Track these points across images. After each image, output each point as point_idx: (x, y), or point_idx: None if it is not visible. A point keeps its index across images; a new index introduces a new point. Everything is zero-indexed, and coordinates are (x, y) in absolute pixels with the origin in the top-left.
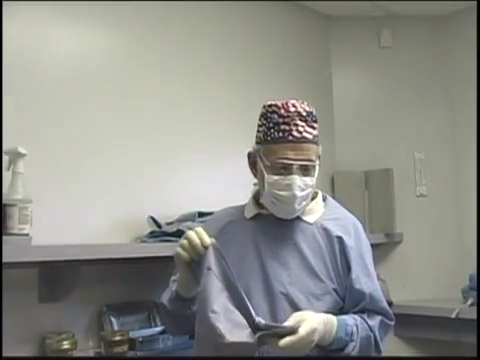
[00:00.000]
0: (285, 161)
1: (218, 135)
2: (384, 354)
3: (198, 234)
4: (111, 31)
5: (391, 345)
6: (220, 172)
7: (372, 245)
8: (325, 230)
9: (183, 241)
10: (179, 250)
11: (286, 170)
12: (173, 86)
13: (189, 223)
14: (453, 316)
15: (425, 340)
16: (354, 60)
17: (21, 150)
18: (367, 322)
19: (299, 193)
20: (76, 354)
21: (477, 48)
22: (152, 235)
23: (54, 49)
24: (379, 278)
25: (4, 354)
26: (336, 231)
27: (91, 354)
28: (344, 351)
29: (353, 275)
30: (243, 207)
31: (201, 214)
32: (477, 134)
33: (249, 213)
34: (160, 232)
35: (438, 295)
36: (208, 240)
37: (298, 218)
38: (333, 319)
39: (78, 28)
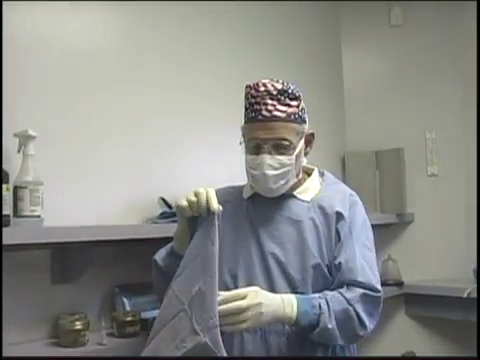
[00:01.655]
0: (255, 141)
1: (228, 116)
2: (397, 336)
3: (208, 196)
4: (122, 14)
5: (402, 325)
6: (230, 153)
7: (383, 225)
8: (321, 208)
9: (191, 197)
10: (184, 204)
11: (258, 149)
12: (184, 68)
13: None
14: (465, 295)
15: (437, 319)
16: (364, 39)
17: (31, 132)
18: (343, 295)
19: (270, 172)
20: (89, 334)
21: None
22: (163, 216)
23: (65, 32)
24: (390, 258)
25: (18, 336)
26: (332, 208)
27: (103, 334)
28: (319, 326)
29: (337, 248)
30: (241, 187)
31: (217, 189)
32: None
33: (247, 193)
34: (171, 213)
35: (449, 275)
36: (216, 206)
37: (293, 197)
38: (291, 296)
39: (89, 12)
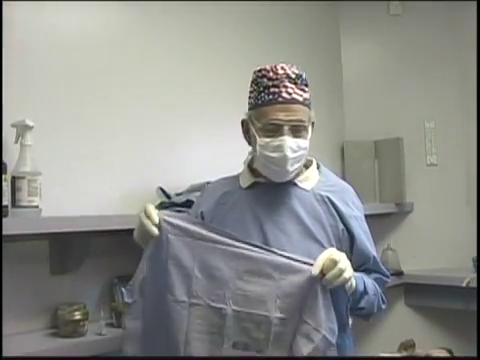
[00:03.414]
0: (276, 122)
1: (227, 105)
2: (396, 326)
3: (147, 213)
4: (123, 6)
5: (402, 314)
6: (230, 142)
7: (382, 215)
8: (322, 197)
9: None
10: (135, 235)
11: (277, 132)
12: (182, 57)
13: (198, 193)
14: (464, 285)
15: (436, 309)
16: (363, 28)
17: (28, 122)
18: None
19: (290, 154)
20: (88, 325)
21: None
22: (162, 206)
23: (62, 22)
24: (389, 248)
25: (17, 326)
26: (333, 197)
27: (103, 325)
28: (368, 293)
29: (357, 239)
30: (236, 177)
31: (210, 182)
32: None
33: (245, 182)
34: (169, 203)
35: (448, 264)
36: (156, 218)
37: (295, 185)
38: None
39: (89, 4)
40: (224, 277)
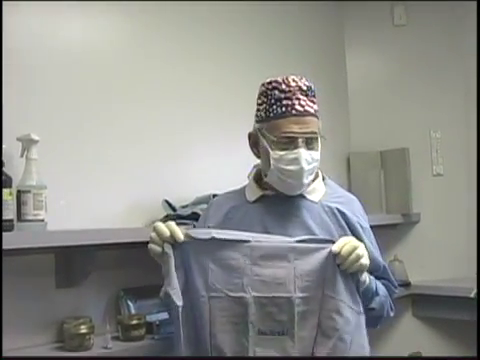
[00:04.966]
0: (291, 135)
1: (232, 117)
2: (404, 338)
3: (168, 227)
4: (127, 19)
5: (410, 325)
6: (235, 155)
7: (389, 225)
8: (331, 208)
9: (152, 234)
10: (151, 246)
11: (292, 144)
12: (188, 68)
13: (204, 206)
14: (472, 295)
15: (444, 320)
16: (368, 39)
17: (34, 136)
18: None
19: (306, 166)
20: (93, 338)
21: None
22: (167, 218)
23: (65, 34)
24: (396, 258)
25: (23, 341)
26: (342, 208)
27: (109, 338)
28: (379, 294)
29: (367, 249)
30: (241, 191)
31: (216, 197)
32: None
33: (252, 196)
34: (175, 215)
35: (456, 275)
36: (181, 237)
37: (303, 197)
38: None
39: (93, 16)
40: (239, 265)
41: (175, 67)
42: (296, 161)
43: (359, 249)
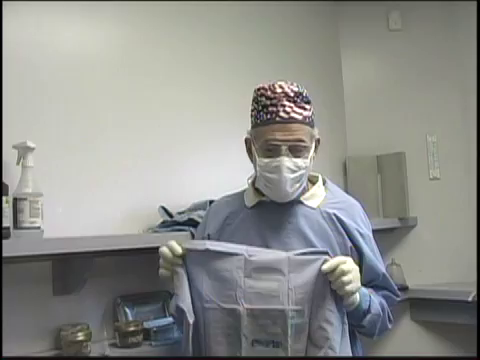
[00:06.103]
0: (273, 142)
1: (228, 122)
2: (403, 342)
3: (169, 248)
4: (121, 25)
5: (408, 330)
6: (231, 160)
7: (386, 230)
8: (329, 214)
9: (160, 261)
10: (160, 271)
11: (275, 152)
12: (182, 75)
13: (201, 212)
14: (469, 299)
15: (442, 324)
16: (363, 44)
17: (30, 144)
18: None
19: (288, 175)
20: (91, 345)
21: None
22: (164, 225)
23: (61, 42)
24: (394, 263)
25: (20, 348)
26: (340, 215)
27: (106, 345)
28: (371, 312)
29: (366, 257)
30: (240, 195)
31: (212, 203)
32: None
33: (250, 202)
34: (172, 222)
35: (454, 278)
36: (179, 249)
37: (300, 203)
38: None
39: (86, 20)
40: (233, 277)
41: (172, 76)
42: (277, 169)
43: (348, 275)
